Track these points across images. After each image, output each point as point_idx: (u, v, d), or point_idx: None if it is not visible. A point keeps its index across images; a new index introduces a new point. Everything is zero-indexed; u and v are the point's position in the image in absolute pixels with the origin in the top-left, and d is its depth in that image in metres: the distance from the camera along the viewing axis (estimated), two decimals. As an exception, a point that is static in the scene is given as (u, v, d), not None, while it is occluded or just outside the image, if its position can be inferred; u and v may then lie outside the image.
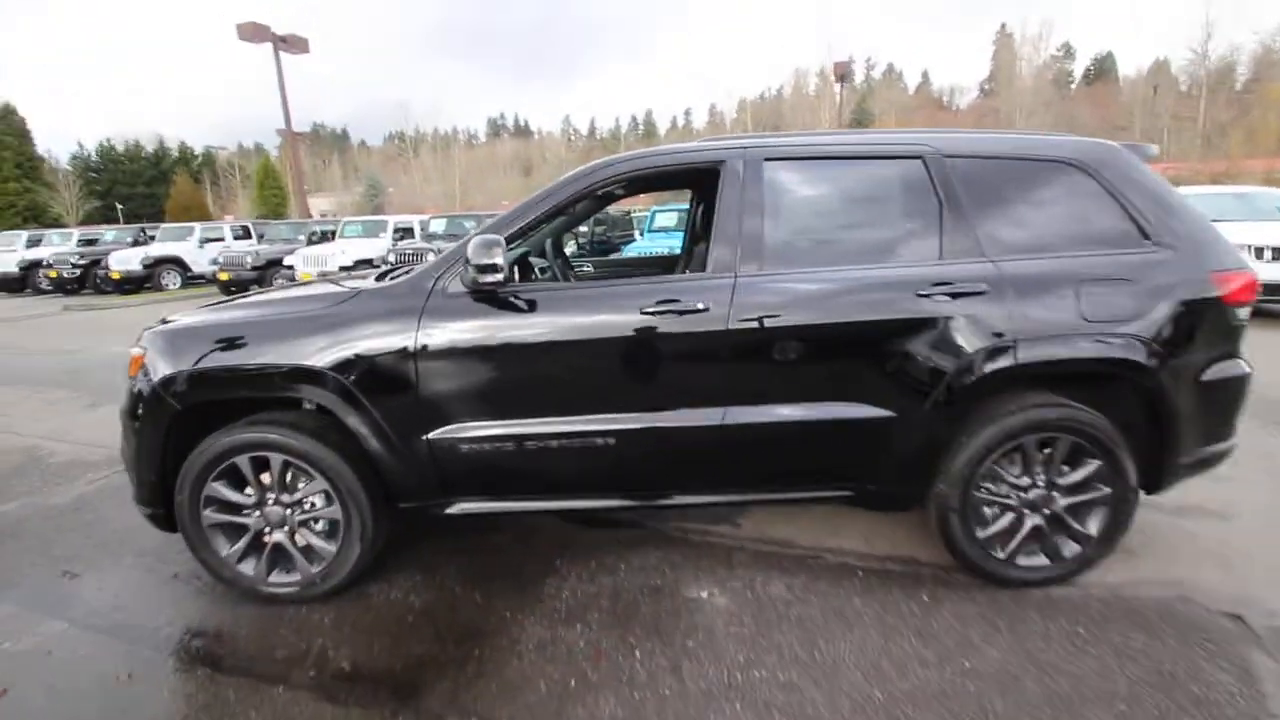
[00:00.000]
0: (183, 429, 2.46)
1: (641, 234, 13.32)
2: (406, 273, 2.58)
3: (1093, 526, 2.46)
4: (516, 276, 2.89)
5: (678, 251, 9.53)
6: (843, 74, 26.66)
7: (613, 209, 14.21)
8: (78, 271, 16.32)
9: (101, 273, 15.98)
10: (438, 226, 14.00)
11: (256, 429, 2.39)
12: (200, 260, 16.27)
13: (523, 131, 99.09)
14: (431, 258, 2.47)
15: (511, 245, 2.46)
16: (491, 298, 2.34)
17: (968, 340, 2.28)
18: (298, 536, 2.50)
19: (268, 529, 2.49)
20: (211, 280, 15.09)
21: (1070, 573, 2.51)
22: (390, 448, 2.37)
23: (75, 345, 9.03)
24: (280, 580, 2.52)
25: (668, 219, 12.54)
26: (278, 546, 2.50)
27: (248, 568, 2.52)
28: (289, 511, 2.47)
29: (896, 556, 2.78)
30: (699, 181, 3.41)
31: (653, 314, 2.30)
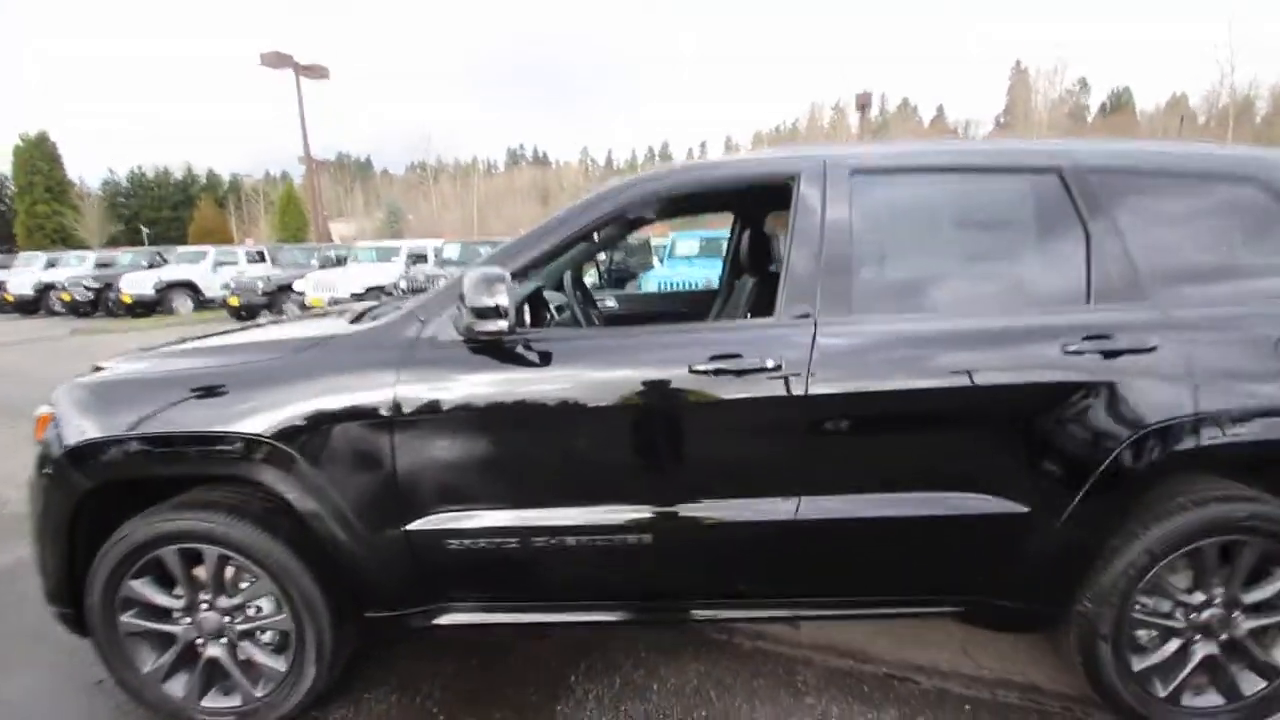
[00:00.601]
0: (97, 510, 1.92)
1: (662, 261, 12.84)
2: (397, 309, 2.04)
3: (1284, 657, 1.84)
4: (528, 318, 2.35)
5: (710, 279, 9.06)
6: (864, 104, 26.30)
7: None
8: (91, 294, 16.17)
9: (114, 296, 15.80)
10: (452, 252, 13.68)
11: (186, 514, 1.85)
12: (213, 284, 16.02)
13: (541, 161, 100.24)
14: (443, 284, 1.94)
15: (521, 280, 1.92)
16: (494, 348, 1.79)
17: (1132, 414, 1.69)
18: (239, 650, 1.94)
19: (201, 640, 1.93)
20: (223, 305, 14.83)
21: (1252, 716, 1.88)
22: (357, 542, 1.81)
23: (75, 370, 8.64)
24: (217, 705, 1.96)
25: (689, 246, 12.03)
26: (214, 662, 1.94)
27: (176, 687, 1.96)
28: (228, 619, 1.92)
29: (1010, 681, 2.15)
30: (754, 202, 2.87)
31: (705, 372, 1.74)
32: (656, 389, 1.76)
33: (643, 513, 1.80)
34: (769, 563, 1.84)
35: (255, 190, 66.69)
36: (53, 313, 17.08)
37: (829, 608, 1.91)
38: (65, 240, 43.21)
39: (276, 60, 17.27)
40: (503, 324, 1.68)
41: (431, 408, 1.77)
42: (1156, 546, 1.76)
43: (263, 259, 17.11)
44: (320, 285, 12.38)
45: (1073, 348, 1.71)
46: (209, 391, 1.82)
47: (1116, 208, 1.80)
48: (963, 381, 1.73)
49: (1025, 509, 1.75)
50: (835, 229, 1.80)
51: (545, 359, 1.81)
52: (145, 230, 51.99)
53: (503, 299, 1.66)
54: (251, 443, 1.77)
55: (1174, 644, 1.85)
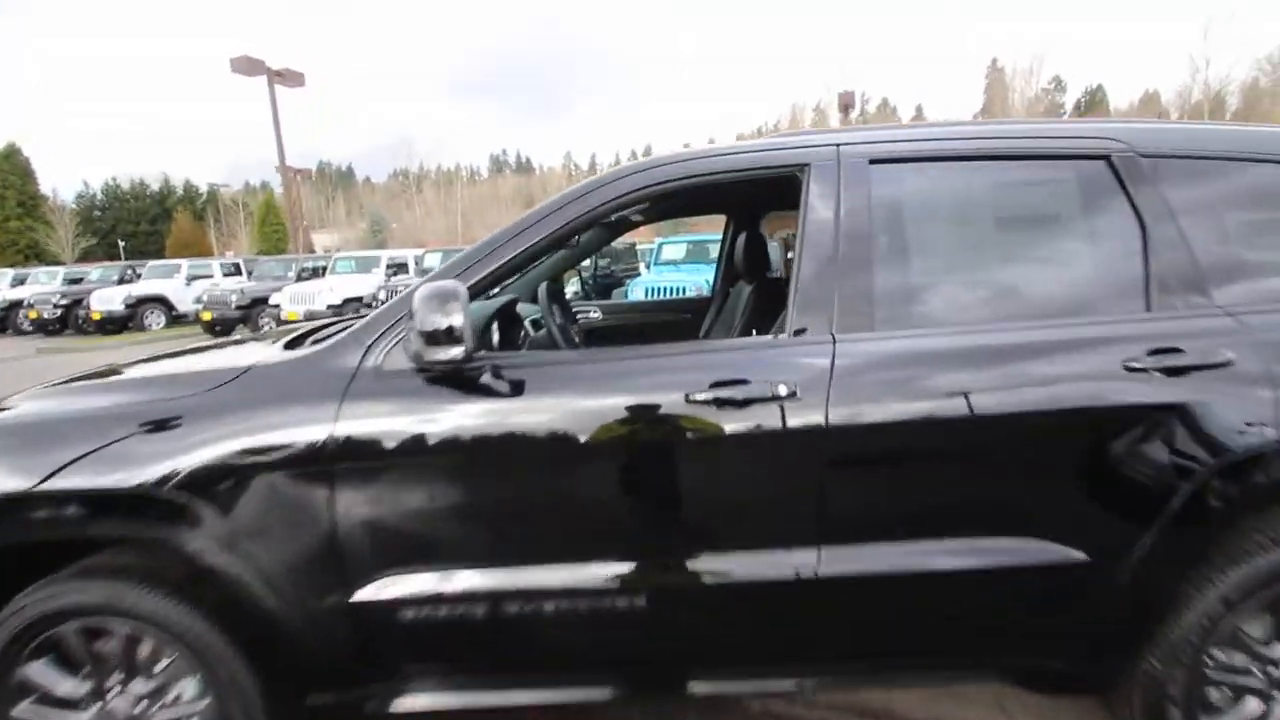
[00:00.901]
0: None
1: (648, 267, 12.60)
2: (346, 329, 1.74)
3: (1376, 715, 1.59)
4: (496, 337, 2.06)
5: (699, 283, 8.76)
6: (848, 104, 26.26)
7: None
8: (59, 312, 15.74)
9: (83, 313, 15.33)
10: (433, 261, 13.32)
11: (90, 584, 1.55)
12: (186, 299, 15.60)
13: (524, 167, 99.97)
14: (391, 302, 1.65)
15: (482, 295, 1.65)
16: (454, 377, 1.51)
17: (1207, 441, 1.44)
18: (159, 741, 1.63)
19: (112, 731, 1.62)
20: (196, 320, 14.41)
21: (1339, 782, 1.63)
22: (293, 613, 1.52)
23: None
24: (133, 807, 1.64)
25: (675, 251, 11.80)
26: (128, 757, 1.63)
27: (85, 787, 1.64)
28: (143, 706, 1.60)
29: (1056, 742, 1.89)
30: (750, 200, 2.61)
31: (704, 402, 1.46)
32: (647, 424, 1.48)
33: (633, 571, 1.51)
34: (783, 624, 1.57)
35: (234, 201, 65.76)
36: (20, 331, 16.63)
37: (850, 674, 1.64)
38: (39, 256, 42.31)
39: (248, 66, 16.83)
40: (457, 350, 1.39)
41: (378, 451, 1.48)
42: (1233, 593, 1.51)
43: (239, 271, 16.70)
44: (297, 298, 11.99)
45: (1136, 363, 1.45)
46: (114, 438, 1.52)
47: (1175, 198, 1.56)
48: (1007, 406, 1.47)
49: (1083, 556, 1.49)
50: (853, 228, 1.53)
51: (516, 389, 1.53)
52: (122, 244, 51.03)
53: (457, 318, 1.38)
54: (163, 499, 1.47)
55: (1252, 704, 1.60)
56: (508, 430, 1.50)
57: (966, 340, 1.50)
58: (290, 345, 1.75)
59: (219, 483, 1.47)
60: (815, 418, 1.44)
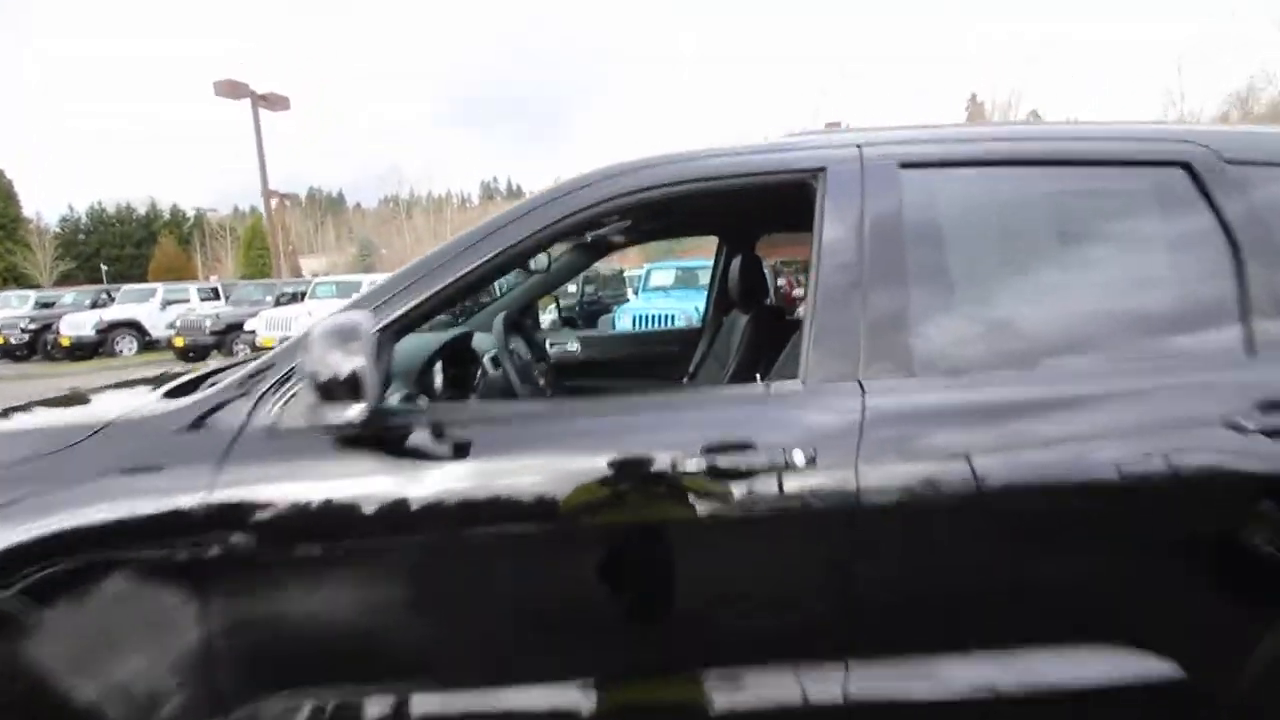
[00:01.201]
0: None
1: (636, 293, 12.31)
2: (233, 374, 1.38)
3: None
4: (438, 381, 1.72)
5: (689, 311, 8.45)
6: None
7: (600, 265, 13.15)
8: (26, 337, 15.23)
9: (52, 338, 14.83)
10: (417, 286, 12.95)
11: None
12: (160, 324, 15.12)
13: (515, 195, 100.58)
14: (289, 342, 1.32)
15: (410, 331, 1.31)
16: (371, 437, 1.17)
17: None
18: None
19: None
20: (169, 346, 13.96)
21: None
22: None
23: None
24: None
25: (665, 276, 11.52)
26: None
27: None
28: None
29: None
30: (745, 218, 2.31)
31: (697, 472, 1.13)
32: (620, 500, 1.15)
33: (604, 696, 1.16)
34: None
35: (221, 226, 65.37)
36: (-14, 357, 16.03)
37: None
38: (17, 280, 41.54)
39: (232, 90, 16.56)
40: (354, 410, 1.05)
41: (265, 533, 1.13)
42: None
43: (217, 296, 16.26)
44: (273, 323, 11.57)
45: (1243, 421, 1.14)
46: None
47: (1272, 211, 1.26)
48: (1079, 475, 1.15)
49: (1177, 670, 1.15)
50: (881, 247, 1.22)
51: (461, 451, 1.18)
52: (104, 268, 50.31)
53: (358, 361, 1.04)
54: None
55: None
56: (441, 505, 1.15)
57: (1031, 391, 1.18)
58: (174, 393, 1.39)
59: (54, 577, 1.11)
60: (842, 492, 1.11)
